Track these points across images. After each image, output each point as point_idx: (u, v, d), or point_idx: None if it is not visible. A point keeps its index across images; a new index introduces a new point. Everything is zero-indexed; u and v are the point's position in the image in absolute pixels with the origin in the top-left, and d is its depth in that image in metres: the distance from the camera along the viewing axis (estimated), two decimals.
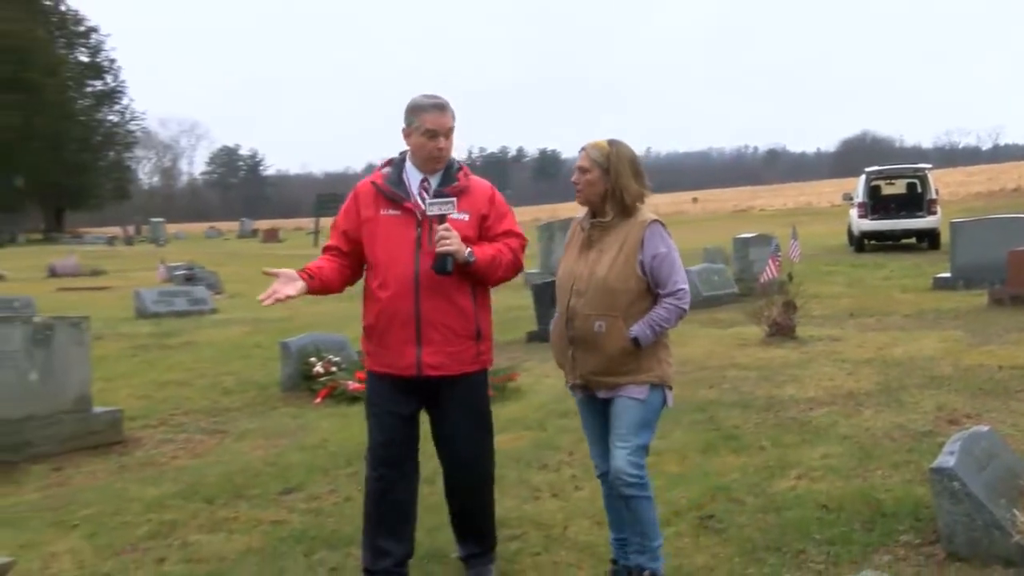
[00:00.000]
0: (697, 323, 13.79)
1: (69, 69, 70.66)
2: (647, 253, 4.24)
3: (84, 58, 73.85)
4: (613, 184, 4.26)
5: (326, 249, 4.62)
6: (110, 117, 76.61)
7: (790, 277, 13.86)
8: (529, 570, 4.90)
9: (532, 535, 5.36)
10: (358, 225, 4.47)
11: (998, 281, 14.27)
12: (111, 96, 75.63)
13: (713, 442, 7.08)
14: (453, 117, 4.44)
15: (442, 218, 4.25)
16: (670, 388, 4.38)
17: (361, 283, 4.67)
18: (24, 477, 7.23)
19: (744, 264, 18.44)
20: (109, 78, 75.12)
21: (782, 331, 11.59)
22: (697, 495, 5.88)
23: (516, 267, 4.56)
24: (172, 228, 63.85)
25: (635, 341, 4.18)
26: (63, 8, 72.62)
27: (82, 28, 73.57)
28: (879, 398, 8.27)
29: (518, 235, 4.61)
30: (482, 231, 4.49)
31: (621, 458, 4.24)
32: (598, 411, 4.42)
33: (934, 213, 26.18)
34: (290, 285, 4.30)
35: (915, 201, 27.32)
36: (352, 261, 4.57)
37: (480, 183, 4.58)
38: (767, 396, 8.57)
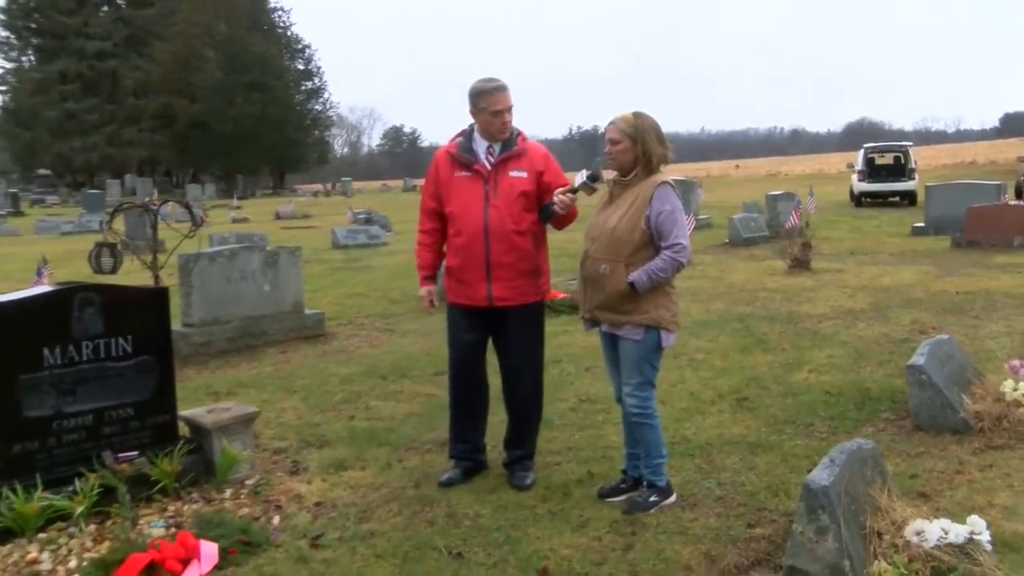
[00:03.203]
0: (738, 257, 13.52)
1: (290, 74, 71.86)
2: (654, 210, 3.61)
3: (300, 66, 74.76)
4: (641, 149, 3.66)
5: (424, 210, 4.22)
6: (316, 107, 77.26)
7: (807, 224, 13.36)
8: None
9: None
10: (439, 186, 4.11)
11: (959, 230, 14.01)
12: (317, 92, 76.39)
13: (748, 345, 6.96)
14: (510, 95, 4.03)
15: (575, 189, 3.88)
16: (667, 330, 3.69)
17: None
18: (262, 356, 7.51)
19: (773, 214, 17.90)
20: (316, 79, 75.84)
21: (800, 264, 11.33)
22: (735, 383, 5.81)
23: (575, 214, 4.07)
24: (356, 185, 64.31)
25: (631, 285, 3.60)
26: (288, 33, 74.66)
27: (299, 46, 74.93)
28: (870, 314, 8.04)
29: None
30: (540, 185, 4.04)
31: (626, 394, 3.78)
32: (611, 346, 3.86)
33: (913, 179, 25.72)
34: (427, 293, 4.29)
35: (900, 169, 26.44)
36: (443, 219, 4.17)
37: (535, 146, 4.14)
38: (788, 312, 8.37)
